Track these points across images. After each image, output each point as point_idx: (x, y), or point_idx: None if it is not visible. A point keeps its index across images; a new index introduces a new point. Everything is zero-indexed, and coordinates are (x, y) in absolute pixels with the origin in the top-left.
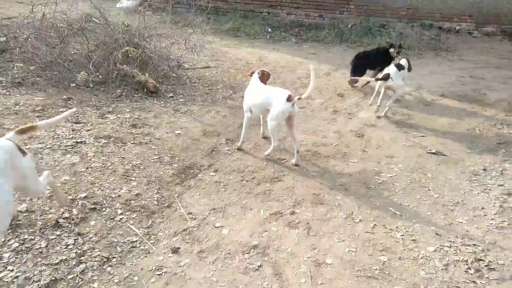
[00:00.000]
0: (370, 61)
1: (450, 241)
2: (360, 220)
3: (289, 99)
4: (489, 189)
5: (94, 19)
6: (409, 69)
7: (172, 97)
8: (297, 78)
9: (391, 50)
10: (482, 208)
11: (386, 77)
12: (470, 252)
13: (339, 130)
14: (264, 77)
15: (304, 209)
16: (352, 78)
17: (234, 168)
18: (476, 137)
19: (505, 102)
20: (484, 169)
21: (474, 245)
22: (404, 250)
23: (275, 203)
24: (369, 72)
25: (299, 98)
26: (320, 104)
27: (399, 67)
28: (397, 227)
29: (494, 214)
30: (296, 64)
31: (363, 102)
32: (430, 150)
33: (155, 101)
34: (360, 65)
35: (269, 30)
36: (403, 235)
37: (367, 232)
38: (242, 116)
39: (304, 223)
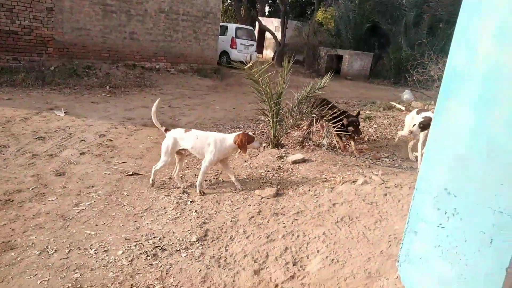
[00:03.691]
0: None
1: (137, 241)
2: (55, 250)
3: None
4: (171, 192)
5: None
6: None
7: None
8: None
9: None
10: (164, 208)
11: None
12: (151, 244)
13: (37, 173)
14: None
15: None
16: None
17: None
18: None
19: (192, 124)
20: (170, 178)
21: (155, 237)
22: (96, 261)
23: None
24: None
25: None
26: (16, 151)
27: None
28: (91, 245)
29: (171, 210)
30: None
31: (66, 142)
32: (128, 172)
33: None
34: None
35: None
36: (96, 250)
37: (61, 259)
38: None
39: None
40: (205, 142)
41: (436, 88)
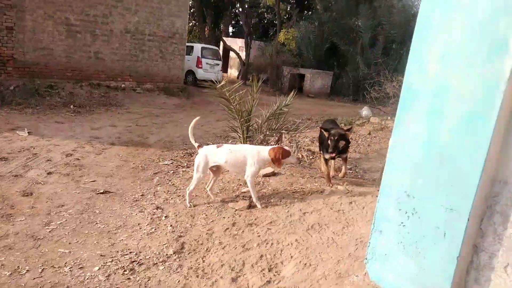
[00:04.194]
0: None
1: (112, 257)
2: (27, 270)
3: None
4: (145, 209)
5: None
6: None
7: None
8: None
9: None
10: (138, 224)
11: None
12: (127, 259)
13: (2, 194)
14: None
15: None
16: None
17: None
18: (139, 172)
19: (161, 142)
20: (142, 195)
21: (131, 252)
22: (72, 279)
23: None
24: None
25: None
26: None
27: None
28: (65, 263)
29: (146, 225)
30: None
31: (31, 162)
32: (99, 190)
33: None
34: None
35: None
36: (71, 268)
37: (34, 278)
38: None
39: None
40: (240, 155)
41: (391, 104)
